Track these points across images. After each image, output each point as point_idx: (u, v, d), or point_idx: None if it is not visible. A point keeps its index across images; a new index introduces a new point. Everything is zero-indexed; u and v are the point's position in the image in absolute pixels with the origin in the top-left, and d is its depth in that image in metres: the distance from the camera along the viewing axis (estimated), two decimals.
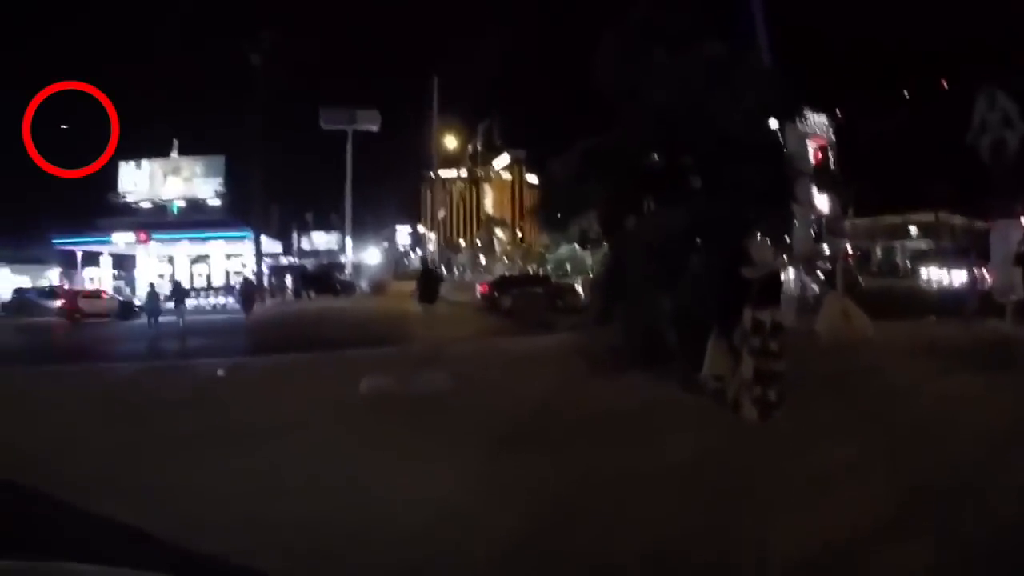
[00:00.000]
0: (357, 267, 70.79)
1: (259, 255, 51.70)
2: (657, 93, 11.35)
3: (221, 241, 59.79)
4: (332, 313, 36.03)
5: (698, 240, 10.54)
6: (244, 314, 29.21)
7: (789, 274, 17.68)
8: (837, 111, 77.11)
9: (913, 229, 70.66)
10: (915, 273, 51.63)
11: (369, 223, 77.50)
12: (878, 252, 68.40)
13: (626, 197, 11.79)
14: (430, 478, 6.85)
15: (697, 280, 9.61)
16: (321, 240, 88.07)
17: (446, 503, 6.12)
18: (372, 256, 76.95)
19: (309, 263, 74.54)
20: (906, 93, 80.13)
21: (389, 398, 11.10)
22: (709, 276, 9.18)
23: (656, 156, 11.59)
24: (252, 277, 47.15)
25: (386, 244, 79.43)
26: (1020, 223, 17.26)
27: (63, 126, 60.67)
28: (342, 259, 73.53)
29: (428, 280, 17.72)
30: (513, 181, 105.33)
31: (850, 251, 41.67)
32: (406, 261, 76.31)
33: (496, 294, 34.96)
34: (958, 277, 31.14)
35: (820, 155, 38.07)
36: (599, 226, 12.75)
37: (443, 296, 20.59)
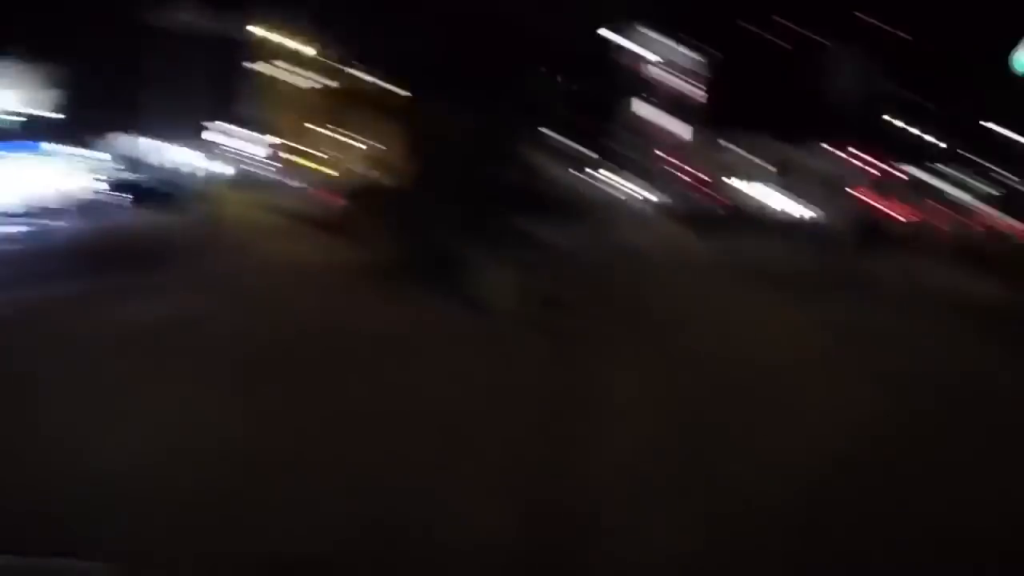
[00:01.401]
0: (177, 174, 65.81)
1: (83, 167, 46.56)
2: None
3: (44, 154, 53.97)
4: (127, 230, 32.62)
5: (484, 149, 9.31)
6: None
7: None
8: (697, 42, 78.03)
9: (757, 159, 73.73)
10: (756, 197, 53.74)
11: (191, 125, 71.70)
12: (721, 177, 71.00)
13: (411, 97, 10.49)
14: (136, 413, 5.41)
15: (480, 191, 8.35)
16: (148, 146, 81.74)
17: (132, 444, 4.73)
18: (197, 161, 71.56)
19: (145, 173, 69.05)
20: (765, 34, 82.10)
21: (133, 325, 9.49)
22: (491, 188, 7.92)
23: (444, 56, 10.24)
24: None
25: (213, 148, 73.86)
26: (843, 156, 17.32)
27: None
28: (163, 165, 68.09)
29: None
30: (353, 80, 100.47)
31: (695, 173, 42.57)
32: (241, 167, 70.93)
33: (343, 206, 32.24)
34: (800, 204, 32.14)
35: (665, 77, 38.28)
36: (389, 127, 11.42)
37: (261, 205, 19.10)
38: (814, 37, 41.67)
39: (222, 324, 9.01)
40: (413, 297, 9.69)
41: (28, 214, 41.80)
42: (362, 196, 13.65)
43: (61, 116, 48.33)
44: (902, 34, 39.29)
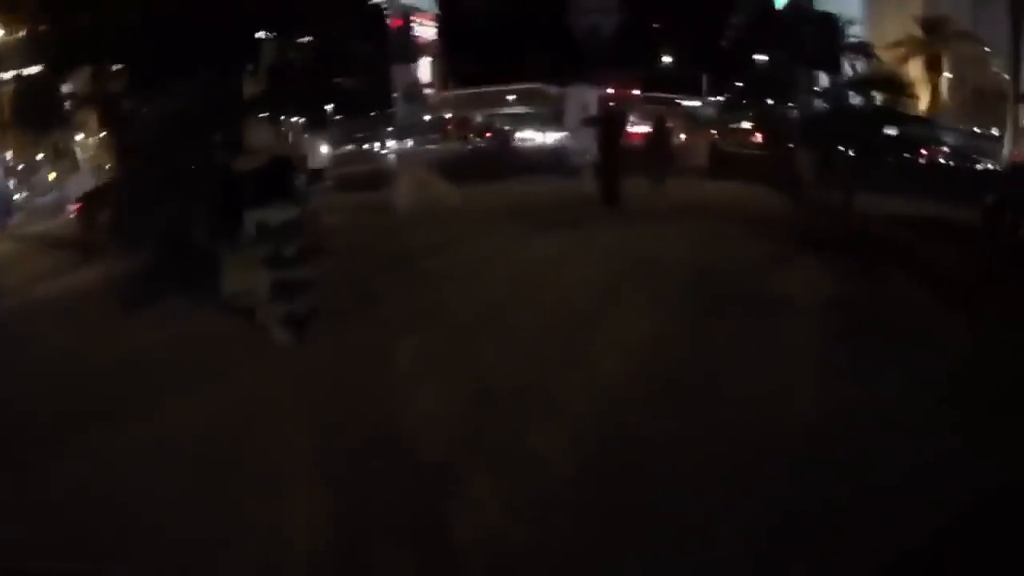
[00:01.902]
0: None
1: None
2: None
3: None
4: None
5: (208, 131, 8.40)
6: None
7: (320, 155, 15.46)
8: None
9: (512, 97, 74.56)
10: (512, 136, 54.22)
11: None
12: (479, 119, 71.74)
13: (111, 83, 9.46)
14: None
15: (202, 179, 7.48)
16: None
17: None
18: None
19: None
20: None
21: None
22: (210, 173, 7.09)
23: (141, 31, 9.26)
24: None
25: None
26: (593, 88, 17.56)
27: None
28: None
29: None
30: None
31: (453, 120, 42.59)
32: None
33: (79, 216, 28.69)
34: (553, 139, 32.63)
35: (398, 23, 37.72)
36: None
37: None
38: None
39: None
40: (162, 308, 8.71)
41: None
42: (94, 203, 12.08)
43: None
44: None
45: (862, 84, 14.10)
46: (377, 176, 18.38)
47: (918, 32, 26.19)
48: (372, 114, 34.85)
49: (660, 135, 14.67)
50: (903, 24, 26.30)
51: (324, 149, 19.23)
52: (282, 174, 6.34)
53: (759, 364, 5.80)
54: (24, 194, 38.07)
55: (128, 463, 4.78)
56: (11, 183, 41.38)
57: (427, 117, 40.71)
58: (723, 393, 5.30)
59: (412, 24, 41.71)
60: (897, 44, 25.28)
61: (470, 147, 38.72)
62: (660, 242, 10.36)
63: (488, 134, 42.37)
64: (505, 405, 5.35)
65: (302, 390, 5.78)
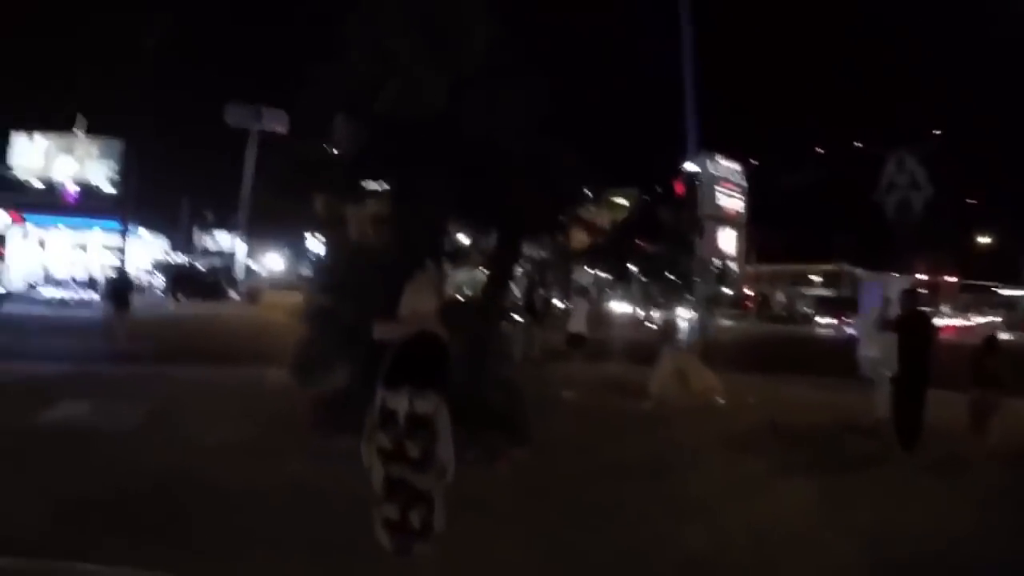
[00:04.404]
0: (249, 272, 67.00)
1: (124, 249, 46.97)
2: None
3: (98, 230, 54.89)
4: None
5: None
6: None
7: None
8: (750, 160, 76.91)
9: (815, 277, 70.46)
10: (814, 320, 50.44)
11: (272, 227, 71.76)
12: (779, 297, 67.60)
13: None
14: None
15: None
16: (225, 241, 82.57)
17: None
18: (272, 261, 72.10)
19: (205, 263, 69.98)
20: (819, 150, 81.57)
21: (55, 431, 8.90)
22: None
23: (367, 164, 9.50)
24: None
25: (286, 250, 73.70)
26: (900, 278, 14.52)
27: None
28: (239, 262, 69.74)
29: (118, 289, 19.53)
30: None
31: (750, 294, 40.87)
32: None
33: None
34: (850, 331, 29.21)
35: (680, 186, 36.64)
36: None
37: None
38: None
39: None
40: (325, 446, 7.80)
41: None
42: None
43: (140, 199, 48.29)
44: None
45: None
46: (647, 350, 16.76)
47: None
48: (674, 280, 33.87)
49: (988, 348, 11.40)
50: None
51: (588, 313, 18.12)
52: (428, 352, 4.87)
53: None
54: None
55: None
56: None
57: (727, 290, 39.18)
58: None
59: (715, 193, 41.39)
60: None
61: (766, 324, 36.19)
62: (970, 519, 7.21)
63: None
64: None
65: None
